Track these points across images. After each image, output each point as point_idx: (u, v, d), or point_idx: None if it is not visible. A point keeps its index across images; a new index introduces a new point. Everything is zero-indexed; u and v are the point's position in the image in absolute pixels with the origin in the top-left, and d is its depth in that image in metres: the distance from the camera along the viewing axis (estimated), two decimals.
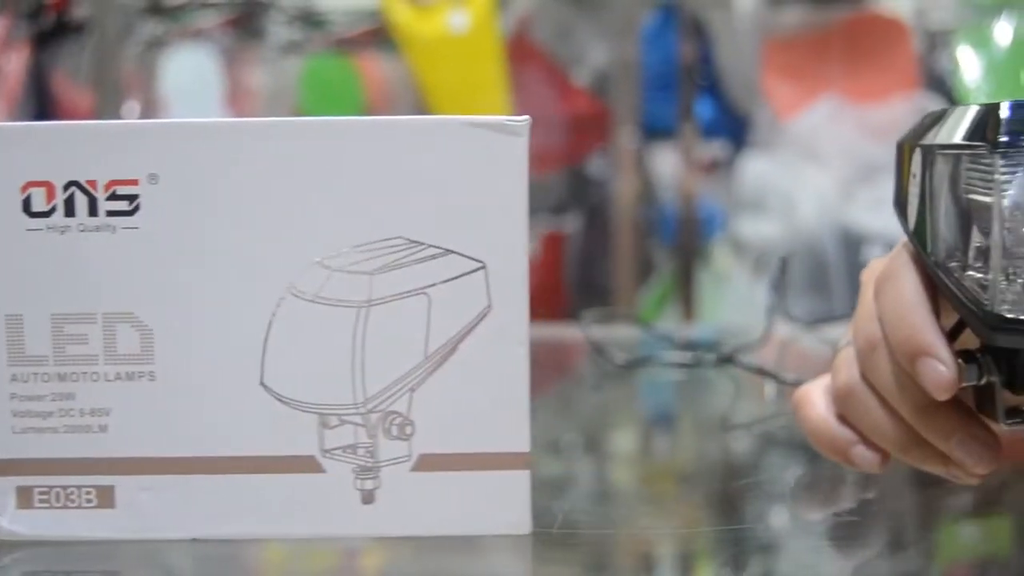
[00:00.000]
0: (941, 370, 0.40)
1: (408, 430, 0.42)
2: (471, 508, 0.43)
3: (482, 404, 0.42)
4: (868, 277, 0.48)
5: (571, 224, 2.24)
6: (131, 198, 0.41)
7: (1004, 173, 0.39)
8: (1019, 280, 0.39)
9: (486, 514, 0.43)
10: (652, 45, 2.16)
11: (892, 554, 0.45)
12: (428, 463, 0.42)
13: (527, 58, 2.21)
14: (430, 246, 0.42)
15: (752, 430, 0.64)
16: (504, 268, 0.42)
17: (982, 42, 2.11)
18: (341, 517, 0.43)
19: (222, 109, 2.10)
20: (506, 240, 0.42)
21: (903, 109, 2.07)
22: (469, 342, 0.42)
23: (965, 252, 0.40)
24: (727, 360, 0.71)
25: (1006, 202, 0.38)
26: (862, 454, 0.47)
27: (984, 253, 0.39)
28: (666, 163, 2.15)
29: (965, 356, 0.41)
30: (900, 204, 0.44)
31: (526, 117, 0.41)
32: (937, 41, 2.13)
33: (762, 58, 2.16)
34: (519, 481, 0.43)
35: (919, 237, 0.43)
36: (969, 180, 0.40)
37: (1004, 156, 0.39)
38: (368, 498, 0.42)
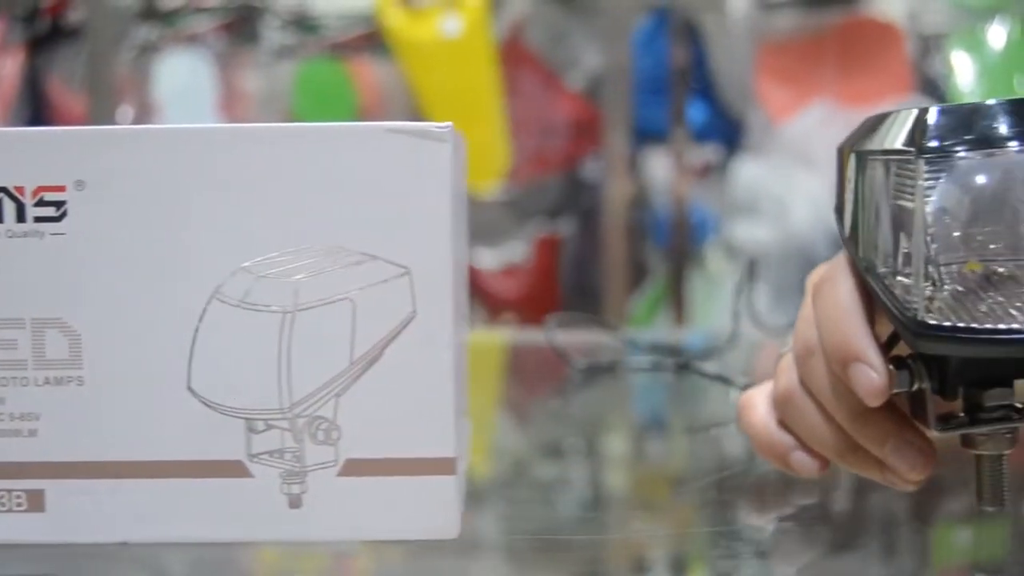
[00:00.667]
0: (872, 376, 0.40)
1: (334, 435, 0.42)
2: (398, 513, 0.43)
3: (407, 409, 0.42)
4: (812, 282, 0.48)
5: (565, 228, 2.24)
6: (58, 204, 0.42)
7: (927, 179, 0.39)
8: (947, 287, 0.39)
9: (413, 519, 0.43)
10: (645, 49, 2.17)
11: (821, 561, 0.46)
12: (354, 468, 0.43)
13: (520, 62, 2.21)
14: (355, 252, 0.42)
15: (698, 435, 0.65)
16: (428, 274, 0.42)
17: (975, 46, 2.10)
18: (268, 521, 0.43)
19: (216, 113, 2.11)
20: (430, 246, 0.42)
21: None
22: (394, 347, 0.42)
23: (895, 258, 0.40)
24: (684, 366, 0.71)
25: (929, 208, 0.38)
26: (801, 459, 0.47)
27: (910, 260, 0.39)
28: (659, 167, 2.15)
29: (897, 362, 0.41)
30: (839, 210, 0.44)
31: (448, 124, 0.42)
32: (930, 45, 2.13)
33: (755, 62, 2.16)
34: (445, 486, 0.43)
35: (853, 243, 0.43)
36: (898, 186, 0.40)
37: (928, 162, 0.39)
38: (295, 503, 0.43)
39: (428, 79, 2.16)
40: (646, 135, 2.15)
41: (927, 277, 0.39)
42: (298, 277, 0.42)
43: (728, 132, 2.18)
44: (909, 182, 0.39)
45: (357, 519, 0.43)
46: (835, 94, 2.11)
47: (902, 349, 0.41)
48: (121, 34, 2.07)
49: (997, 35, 2.10)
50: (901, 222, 0.39)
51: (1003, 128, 0.39)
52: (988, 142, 0.39)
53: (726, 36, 2.18)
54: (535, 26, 2.22)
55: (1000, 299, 0.38)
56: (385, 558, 0.43)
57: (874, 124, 0.43)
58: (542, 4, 2.21)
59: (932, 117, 0.39)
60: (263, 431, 0.42)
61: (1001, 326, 0.37)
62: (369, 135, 0.42)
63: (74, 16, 2.09)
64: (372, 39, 2.17)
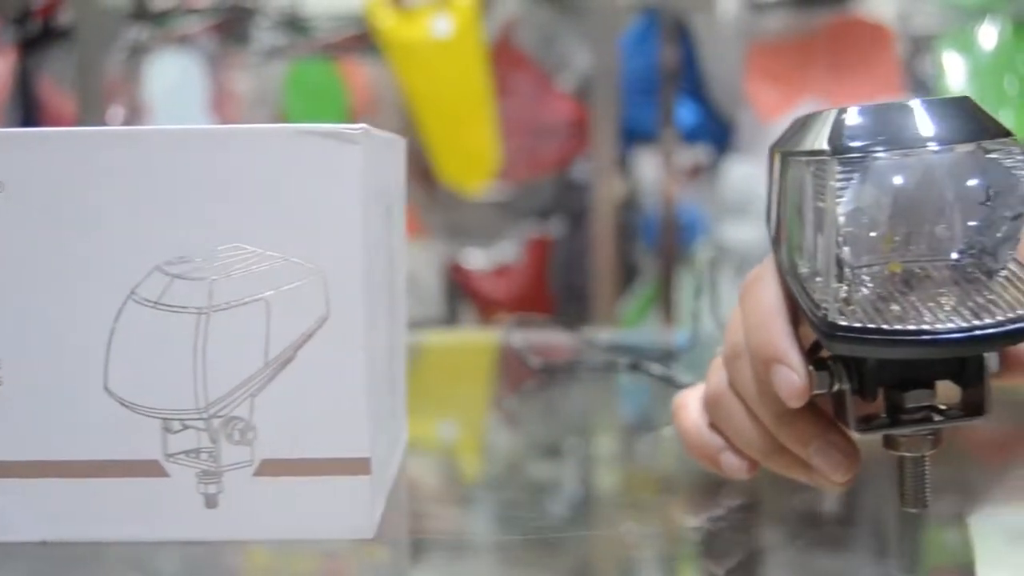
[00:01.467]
0: (792, 378, 0.40)
1: (250, 435, 0.43)
2: (313, 513, 0.43)
3: (322, 410, 0.42)
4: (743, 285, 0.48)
5: (556, 229, 2.24)
6: None
7: (840, 180, 0.38)
8: (861, 288, 0.39)
9: (328, 519, 0.43)
10: (635, 50, 2.17)
11: (746, 563, 0.46)
12: (270, 468, 0.43)
13: (511, 63, 2.22)
14: (269, 253, 0.42)
15: (637, 435, 0.65)
16: (341, 276, 0.42)
17: (966, 47, 2.10)
18: (185, 521, 0.43)
19: (206, 114, 2.12)
20: (343, 248, 0.42)
21: None
22: (308, 349, 0.42)
23: (815, 260, 0.40)
24: (634, 366, 0.71)
25: (841, 209, 0.38)
26: (729, 461, 0.47)
27: (825, 262, 0.39)
28: (648, 168, 2.15)
29: (818, 364, 0.41)
30: (768, 211, 0.45)
31: (362, 125, 0.42)
32: (921, 46, 2.13)
33: (745, 62, 2.16)
34: (360, 486, 0.43)
35: (776, 244, 0.43)
36: (816, 187, 0.39)
37: (841, 163, 0.38)
38: (211, 502, 0.43)
39: (419, 80, 2.17)
40: (636, 136, 2.15)
41: (839, 278, 0.38)
42: (213, 278, 0.42)
43: (718, 133, 2.18)
44: (824, 183, 0.39)
45: (273, 519, 0.43)
46: (825, 94, 2.11)
47: (826, 351, 0.41)
48: (112, 35, 2.08)
49: (988, 35, 2.10)
50: (819, 223, 0.39)
51: (920, 128, 0.39)
52: (904, 142, 0.38)
53: (716, 37, 2.18)
54: (526, 27, 2.22)
55: (914, 300, 0.38)
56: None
57: (800, 125, 0.43)
58: (532, 5, 2.21)
59: (849, 118, 0.39)
60: (179, 431, 0.43)
61: (911, 327, 0.37)
62: (282, 137, 0.42)
63: (65, 17, 2.09)
64: (363, 40, 2.17)
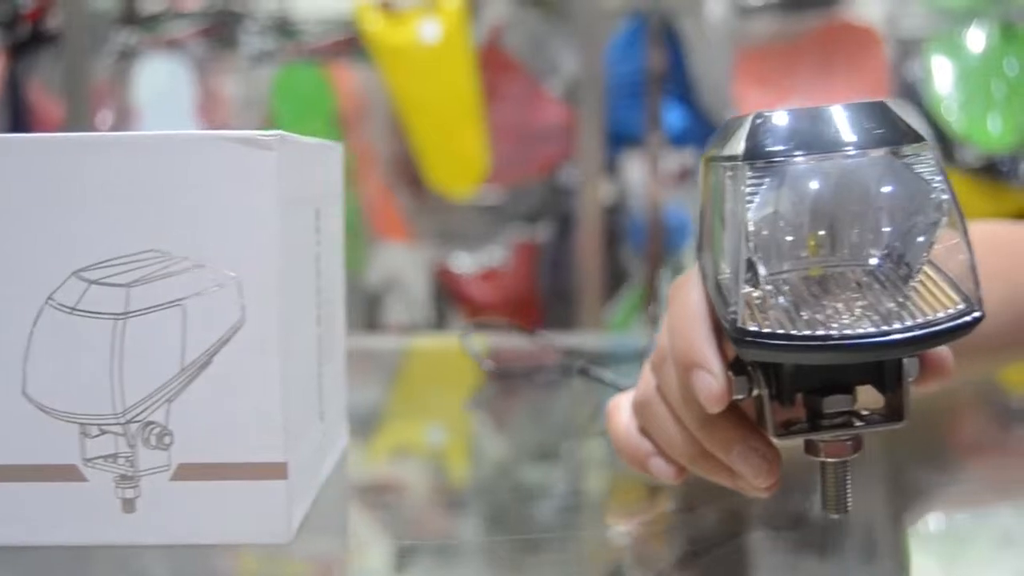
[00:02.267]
0: (711, 383, 0.40)
1: (167, 440, 0.43)
2: (230, 517, 0.43)
3: (238, 415, 0.43)
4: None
5: (544, 233, 2.24)
6: None
7: (751, 184, 0.38)
8: (769, 293, 0.38)
9: (245, 523, 0.43)
10: (623, 54, 2.17)
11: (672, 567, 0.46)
12: (187, 472, 0.43)
13: (500, 68, 2.22)
14: (185, 259, 0.42)
15: (573, 437, 0.65)
16: (257, 281, 0.42)
17: (954, 50, 2.10)
18: (102, 525, 0.43)
19: (194, 118, 2.12)
20: (258, 254, 0.42)
21: None
22: (224, 354, 0.42)
23: (731, 265, 0.39)
24: (583, 371, 0.71)
25: (750, 214, 0.38)
26: (658, 465, 0.47)
27: (736, 267, 0.38)
28: (635, 172, 2.15)
29: (737, 369, 0.41)
30: (696, 216, 0.45)
31: (277, 132, 0.42)
32: (909, 49, 2.13)
33: (733, 66, 2.16)
34: (276, 490, 0.43)
35: (699, 249, 0.43)
36: (732, 192, 0.39)
37: (752, 168, 0.38)
38: (128, 507, 0.43)
39: (407, 84, 2.17)
40: (623, 140, 2.15)
41: (750, 282, 0.38)
42: (130, 284, 0.42)
43: (707, 136, 2.18)
44: (737, 187, 0.39)
45: (190, 523, 0.43)
46: (813, 98, 2.11)
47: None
48: (100, 39, 2.08)
49: (975, 39, 2.10)
50: (731, 228, 0.39)
51: (835, 134, 0.39)
52: (818, 147, 0.38)
53: (704, 41, 2.18)
54: (514, 31, 2.23)
55: (828, 305, 0.38)
56: None
57: (724, 130, 0.42)
58: (520, 9, 2.22)
59: (766, 123, 0.39)
60: (97, 436, 0.43)
61: (819, 332, 0.37)
62: (198, 143, 0.42)
63: (54, 22, 2.10)
64: (351, 44, 2.18)
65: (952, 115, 2.08)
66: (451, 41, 2.16)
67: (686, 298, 0.43)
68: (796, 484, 0.53)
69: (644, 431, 0.48)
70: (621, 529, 0.50)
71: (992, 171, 2.09)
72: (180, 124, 2.11)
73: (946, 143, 2.10)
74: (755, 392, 0.41)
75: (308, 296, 0.47)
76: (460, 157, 2.20)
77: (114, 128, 2.11)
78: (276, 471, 0.43)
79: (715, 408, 0.41)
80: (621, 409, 0.49)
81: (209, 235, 0.42)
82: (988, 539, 0.48)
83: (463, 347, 0.76)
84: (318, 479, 0.50)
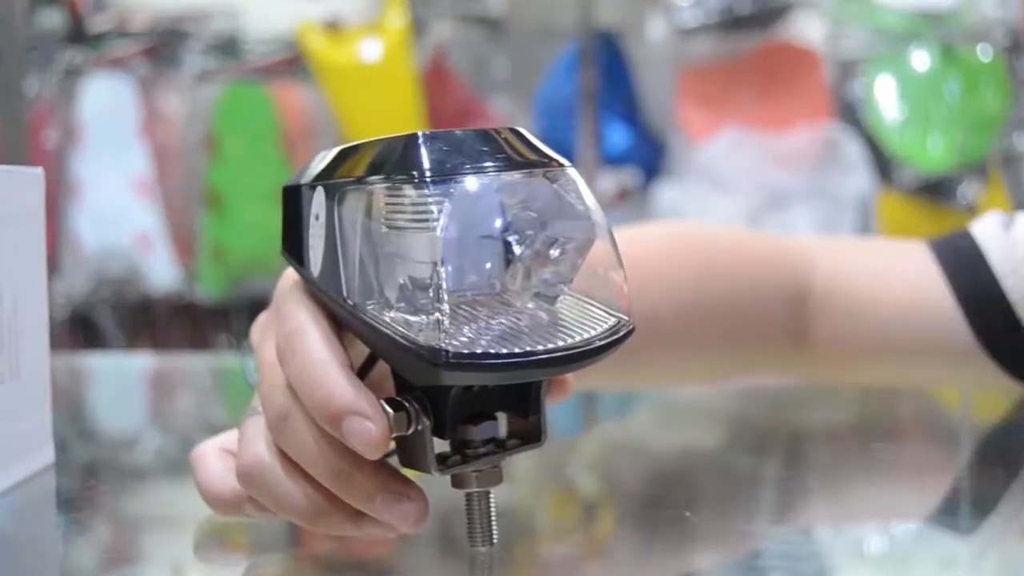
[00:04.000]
0: (368, 427, 0.37)
1: None
2: None
3: None
4: (260, 336, 0.45)
5: None
6: None
7: (434, 202, 0.36)
8: (475, 319, 0.37)
9: None
10: (568, 75, 2.18)
11: None
12: None
13: (443, 87, 2.23)
14: None
15: None
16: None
17: (895, 72, 2.10)
18: None
19: (138, 137, 2.15)
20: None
21: (807, 138, 2.06)
22: None
23: (402, 291, 0.37)
24: None
25: (439, 233, 0.36)
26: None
27: (414, 290, 0.37)
28: None
29: (392, 405, 0.38)
30: (294, 249, 0.42)
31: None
32: (848, 70, 2.13)
33: (676, 86, 2.17)
34: None
35: (331, 283, 0.40)
36: (392, 213, 0.37)
37: (435, 184, 0.36)
38: None
39: (350, 103, 2.19)
40: (568, 159, 2.15)
41: (439, 305, 0.36)
42: None
43: (650, 155, 2.19)
44: (414, 209, 0.37)
45: None
46: (754, 118, 2.11)
47: (387, 391, 0.39)
48: (45, 57, 2.11)
49: (917, 61, 2.09)
50: (404, 251, 0.37)
51: (478, 156, 0.37)
52: (466, 168, 0.37)
53: (647, 60, 2.19)
54: (457, 51, 2.24)
55: (499, 324, 0.37)
56: None
57: (340, 157, 0.41)
58: (464, 29, 2.23)
59: (425, 143, 0.37)
60: None
61: (516, 350, 0.36)
62: None
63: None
64: (295, 63, 2.20)
65: (892, 136, 2.08)
66: (393, 60, 2.17)
67: (307, 345, 0.39)
68: (735, 503, 0.54)
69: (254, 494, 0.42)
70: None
71: (931, 192, 2.09)
72: (124, 142, 2.14)
73: (886, 163, 2.09)
74: (414, 427, 0.38)
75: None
76: None
77: (59, 146, 2.13)
78: None
79: (376, 453, 0.37)
80: (208, 457, 0.45)
81: None
82: (929, 559, 0.48)
83: (241, 364, 0.76)
84: None
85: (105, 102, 2.13)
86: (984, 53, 2.08)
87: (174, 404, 0.87)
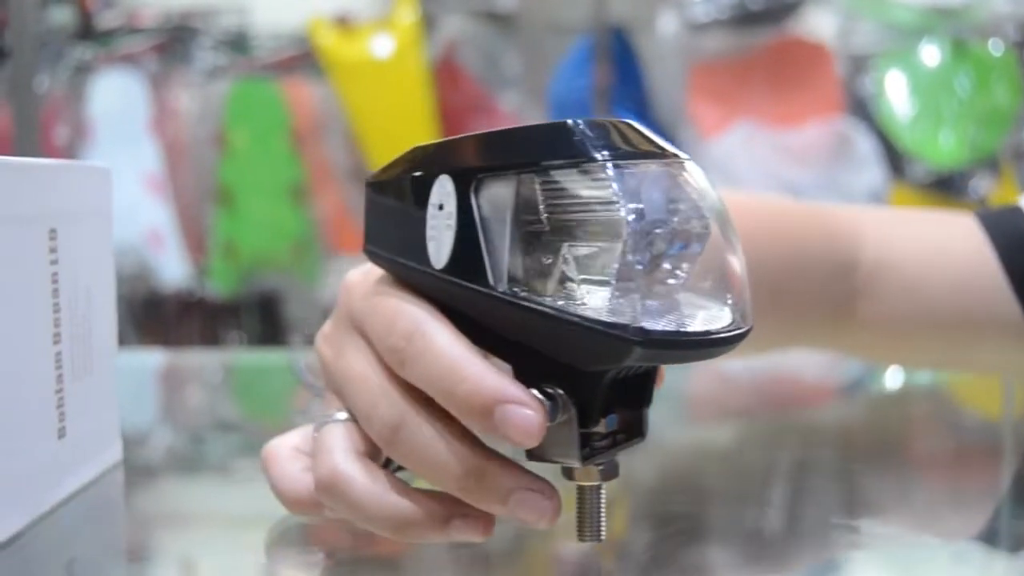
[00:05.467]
0: (526, 413, 0.36)
1: None
2: None
3: None
4: (332, 349, 0.44)
5: None
6: None
7: (616, 186, 0.35)
8: (652, 299, 0.36)
9: None
10: (579, 70, 2.18)
11: None
12: None
13: (454, 83, 2.23)
14: None
15: None
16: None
17: (906, 67, 2.10)
18: None
19: (148, 133, 2.14)
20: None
21: (818, 133, 2.07)
22: None
23: (556, 276, 0.36)
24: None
25: (625, 215, 0.35)
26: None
27: (596, 273, 0.35)
28: None
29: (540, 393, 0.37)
30: (395, 245, 0.41)
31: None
32: (860, 65, 2.13)
33: (687, 81, 2.17)
34: None
35: (464, 272, 0.38)
36: (562, 198, 0.36)
37: (615, 168, 0.35)
38: None
39: (360, 99, 2.18)
40: None
41: (632, 285, 0.35)
42: None
43: None
44: (591, 192, 0.36)
45: None
46: (765, 113, 2.12)
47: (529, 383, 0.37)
48: (55, 54, 2.10)
49: (927, 55, 2.10)
50: (580, 235, 0.36)
51: (645, 140, 0.37)
52: (637, 153, 0.36)
53: (658, 56, 2.19)
54: (468, 47, 2.24)
55: (672, 305, 0.36)
56: None
57: (467, 144, 0.39)
58: (475, 25, 2.23)
59: (584, 129, 0.36)
60: None
61: (700, 329, 0.36)
62: None
63: (10, 36, 2.12)
64: (305, 59, 2.19)
65: (904, 130, 2.08)
66: (404, 56, 2.17)
67: (436, 344, 0.38)
68: (747, 497, 0.53)
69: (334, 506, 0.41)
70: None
71: (943, 186, 2.09)
72: (135, 139, 2.13)
73: (897, 158, 2.10)
74: (561, 417, 0.37)
75: (31, 313, 0.48)
76: None
77: (70, 143, 2.13)
78: None
79: (533, 441, 0.36)
80: (281, 457, 0.45)
81: None
82: (942, 556, 0.48)
83: (292, 368, 0.76)
84: (52, 496, 0.50)
85: (115, 98, 2.13)
86: (996, 48, 2.08)
87: (185, 400, 0.87)
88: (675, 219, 0.36)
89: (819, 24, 2.16)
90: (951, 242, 0.64)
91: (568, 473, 0.39)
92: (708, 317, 0.36)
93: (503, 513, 0.38)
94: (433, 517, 0.39)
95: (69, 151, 2.11)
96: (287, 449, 0.45)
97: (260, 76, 2.19)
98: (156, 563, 0.49)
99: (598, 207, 0.35)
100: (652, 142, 0.37)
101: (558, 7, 2.17)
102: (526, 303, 0.36)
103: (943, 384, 0.86)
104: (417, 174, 0.40)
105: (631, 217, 0.35)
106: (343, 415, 0.43)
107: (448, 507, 0.39)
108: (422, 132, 2.17)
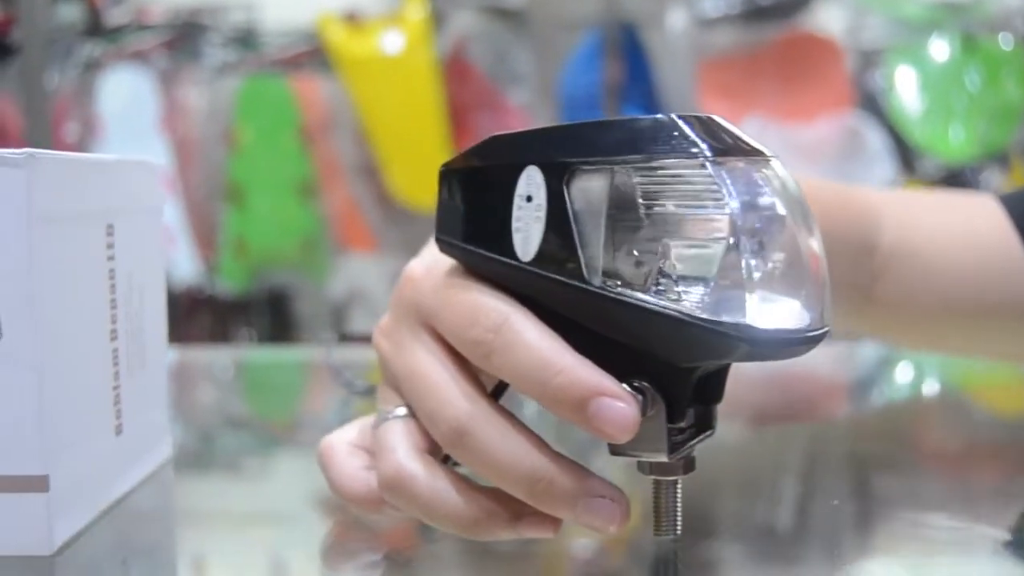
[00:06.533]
0: (621, 407, 0.35)
1: None
2: None
3: None
4: (392, 345, 0.43)
5: None
6: None
7: (725, 181, 0.35)
8: (760, 288, 0.35)
9: (6, 535, 0.44)
10: (588, 65, 2.18)
11: None
12: None
13: (463, 79, 2.23)
14: None
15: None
16: (13, 296, 0.43)
17: (916, 61, 2.10)
18: None
19: (158, 130, 2.14)
20: (14, 269, 0.43)
21: (829, 129, 2.07)
22: None
23: (654, 271, 0.36)
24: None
25: (737, 212, 0.35)
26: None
27: (706, 268, 0.35)
28: None
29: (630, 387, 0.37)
30: (478, 234, 0.40)
31: (26, 151, 0.42)
32: (870, 60, 2.13)
33: (697, 77, 2.17)
34: (37, 503, 0.44)
35: (553, 266, 0.38)
36: (665, 192, 0.36)
37: (722, 164, 0.35)
38: None
39: (370, 95, 2.18)
40: None
41: (741, 282, 0.35)
42: None
43: None
44: (698, 187, 0.35)
45: None
46: (775, 109, 2.12)
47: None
48: (64, 51, 2.10)
49: (937, 50, 2.10)
50: (684, 230, 0.35)
51: (733, 137, 0.37)
52: (749, 149, 0.36)
53: (667, 51, 2.19)
54: (478, 43, 2.23)
55: (789, 299, 0.36)
56: None
57: (555, 134, 0.39)
58: (484, 21, 2.23)
59: (686, 124, 0.36)
60: None
61: (798, 326, 0.36)
62: None
63: (19, 34, 2.12)
64: (315, 55, 2.19)
65: (914, 126, 2.08)
66: (414, 52, 2.17)
67: (524, 337, 0.37)
68: (758, 493, 0.53)
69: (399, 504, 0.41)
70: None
71: (953, 181, 2.09)
72: (144, 136, 2.13)
73: (908, 153, 2.10)
74: (651, 411, 0.37)
75: (90, 309, 0.48)
76: (425, 167, 2.21)
77: (80, 140, 2.12)
78: (36, 484, 0.44)
79: (626, 436, 0.36)
80: (339, 453, 0.44)
81: None
82: (954, 550, 0.48)
83: (327, 363, 0.76)
84: (110, 493, 0.50)
85: (125, 95, 2.13)
86: (1005, 42, 2.08)
87: (195, 397, 0.87)
88: (772, 215, 0.36)
89: (829, 19, 2.16)
90: (972, 224, 0.63)
91: (647, 467, 0.39)
92: (798, 314, 0.36)
93: (571, 518, 0.37)
94: (502, 515, 0.39)
95: (79, 148, 2.10)
96: (345, 445, 0.45)
97: (269, 72, 2.19)
98: (159, 561, 0.48)
99: (702, 203, 0.35)
100: (739, 137, 0.37)
101: (567, 3, 2.17)
102: (626, 298, 0.36)
103: (955, 382, 0.86)
104: (502, 164, 0.40)
105: (736, 213, 0.35)
106: (402, 411, 0.43)
107: (516, 504, 0.39)
108: (431, 128, 2.17)
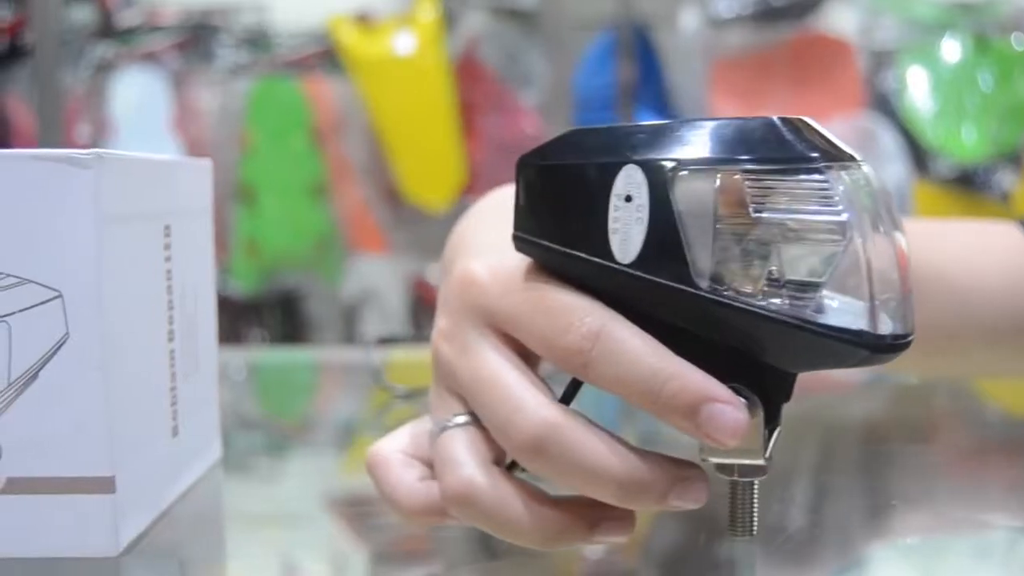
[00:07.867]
0: (730, 411, 0.35)
1: None
2: (58, 530, 0.44)
3: (65, 429, 0.43)
4: (456, 348, 0.41)
5: None
6: None
7: (841, 188, 0.35)
8: (880, 296, 0.36)
9: (72, 536, 0.44)
10: (600, 66, 2.18)
11: None
12: (16, 486, 0.43)
13: (475, 79, 2.23)
14: (8, 275, 0.43)
15: None
16: (79, 297, 0.43)
17: (928, 62, 2.10)
18: None
19: (170, 131, 2.14)
20: (79, 270, 0.43)
21: (841, 129, 2.07)
22: (50, 368, 0.43)
23: (755, 276, 0.35)
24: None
25: (854, 219, 0.35)
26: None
27: (825, 275, 0.35)
28: None
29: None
30: (567, 234, 0.39)
31: (94, 151, 0.42)
32: (882, 61, 2.13)
33: (709, 78, 2.17)
34: (103, 504, 0.44)
35: (656, 268, 0.37)
36: (780, 197, 0.35)
37: (827, 170, 0.35)
38: None
39: (382, 96, 2.18)
40: None
41: (867, 290, 0.35)
42: None
43: None
44: (807, 194, 0.35)
45: (19, 536, 0.44)
46: (787, 109, 2.11)
47: None
48: (76, 52, 2.10)
49: (949, 50, 2.10)
50: (799, 235, 0.35)
51: (830, 142, 0.37)
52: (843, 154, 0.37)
53: (679, 52, 2.19)
54: (489, 43, 2.23)
55: (885, 306, 0.36)
56: None
57: (653, 133, 0.38)
58: (496, 22, 2.23)
59: (793, 128, 0.36)
60: None
61: (904, 331, 0.36)
62: (16, 162, 0.42)
63: (31, 35, 2.12)
64: (326, 57, 2.19)
65: (926, 126, 2.08)
66: (426, 53, 2.17)
67: (627, 343, 0.37)
68: (771, 492, 0.53)
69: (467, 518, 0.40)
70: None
71: (966, 182, 2.09)
72: (156, 137, 2.13)
73: (920, 154, 2.10)
74: (754, 416, 0.36)
75: (151, 310, 0.48)
76: (436, 168, 2.21)
77: (92, 141, 2.12)
78: (103, 485, 0.43)
79: (736, 441, 0.35)
80: (393, 464, 0.43)
81: (32, 252, 0.43)
82: (964, 551, 0.48)
83: (369, 364, 0.76)
84: (168, 495, 0.50)
85: (136, 97, 2.12)
86: (1018, 42, 2.08)
87: None
88: (875, 219, 0.36)
89: (841, 20, 2.16)
90: (995, 249, 0.63)
91: (735, 469, 0.38)
92: (901, 318, 0.36)
93: (661, 508, 0.37)
94: (578, 523, 0.38)
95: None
96: (398, 455, 0.43)
97: (281, 74, 2.19)
98: (164, 561, 0.48)
99: (815, 208, 0.35)
100: (833, 141, 0.37)
101: (579, 3, 2.17)
102: (740, 304, 0.35)
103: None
104: (595, 161, 0.38)
105: (850, 218, 0.35)
106: (462, 418, 0.41)
107: (590, 510, 0.38)
108: (443, 129, 2.17)
